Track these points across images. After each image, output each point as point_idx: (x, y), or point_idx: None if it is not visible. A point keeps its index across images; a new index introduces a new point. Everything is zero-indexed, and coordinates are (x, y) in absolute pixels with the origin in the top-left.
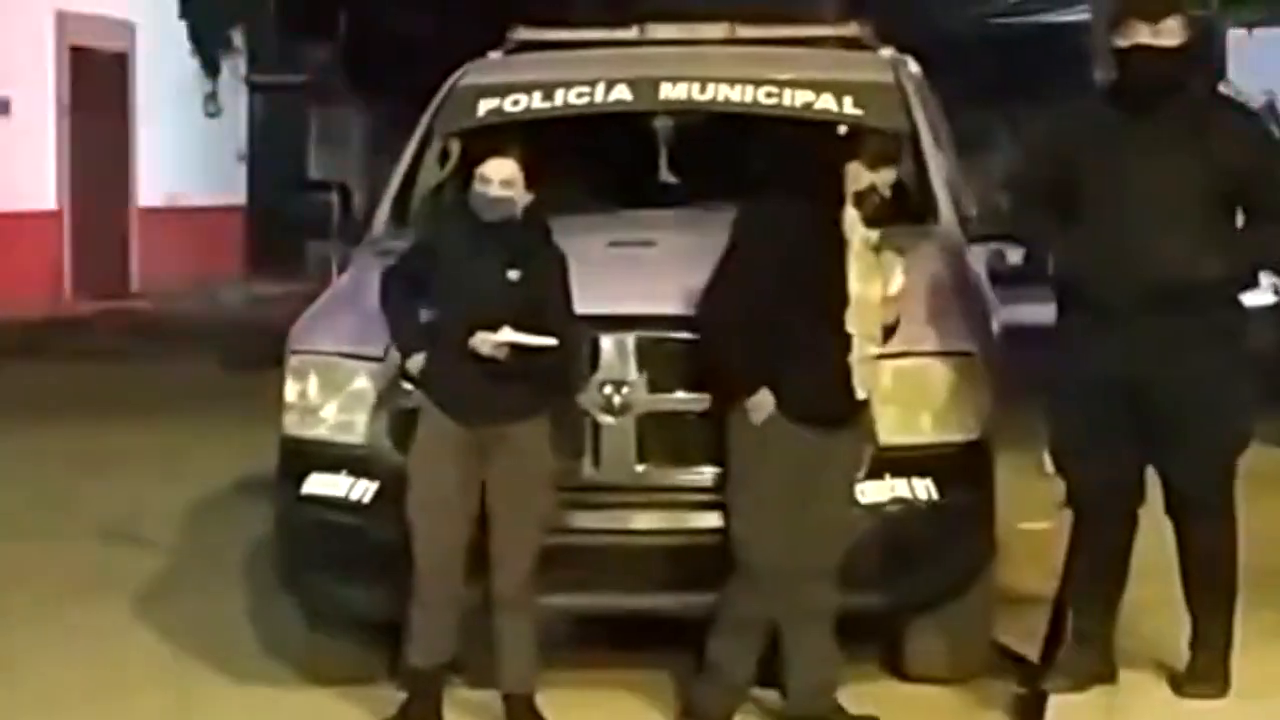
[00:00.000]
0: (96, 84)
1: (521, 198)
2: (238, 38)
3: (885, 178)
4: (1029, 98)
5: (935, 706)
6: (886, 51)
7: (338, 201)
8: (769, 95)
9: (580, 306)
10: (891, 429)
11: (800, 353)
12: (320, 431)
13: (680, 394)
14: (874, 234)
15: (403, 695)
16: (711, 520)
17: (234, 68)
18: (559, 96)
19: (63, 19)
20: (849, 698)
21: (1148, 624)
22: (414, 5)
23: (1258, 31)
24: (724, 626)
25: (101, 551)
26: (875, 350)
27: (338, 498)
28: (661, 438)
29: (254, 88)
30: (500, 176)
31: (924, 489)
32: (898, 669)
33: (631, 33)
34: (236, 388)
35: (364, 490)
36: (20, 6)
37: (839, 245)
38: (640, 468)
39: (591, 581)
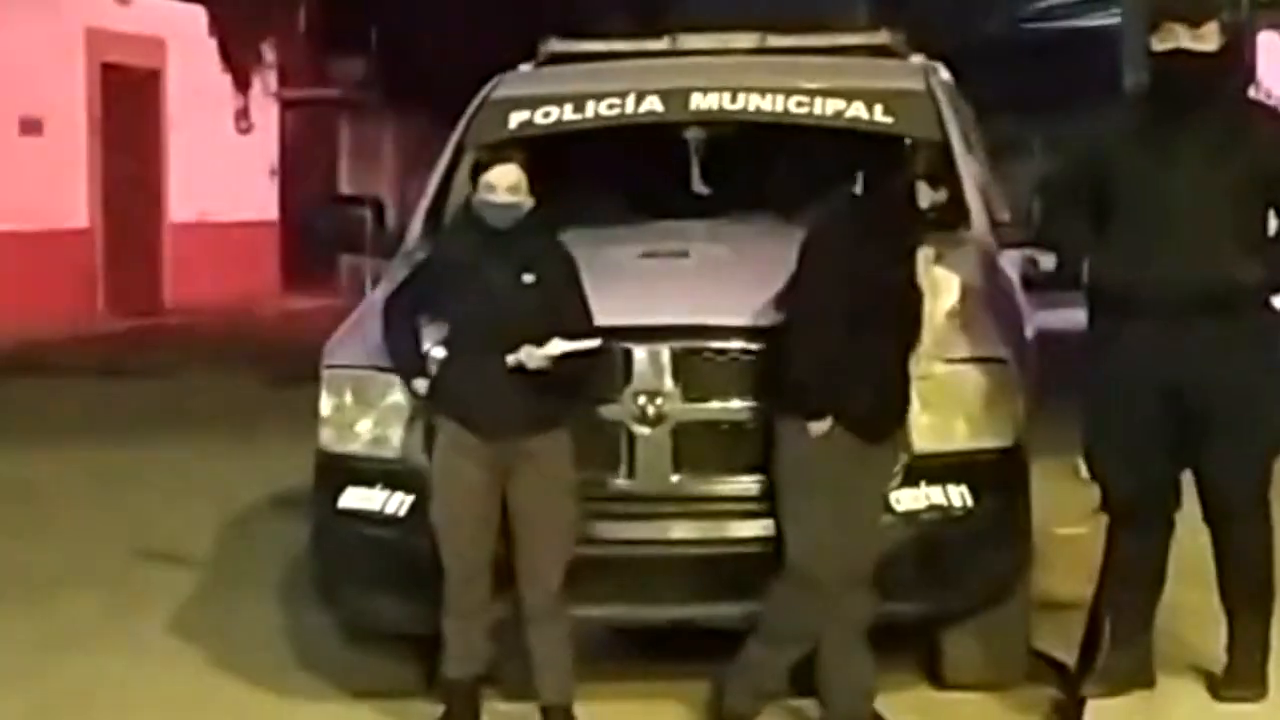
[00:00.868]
0: (128, 101)
1: (526, 203)
2: (268, 53)
3: (942, 196)
4: (1060, 103)
5: (973, 713)
6: (918, 59)
7: (370, 216)
8: (800, 104)
9: (614, 317)
10: (926, 437)
11: (868, 370)
12: (356, 446)
13: (715, 404)
14: (933, 250)
15: (441, 708)
16: (748, 530)
17: (265, 83)
18: (590, 108)
19: (94, 36)
20: (887, 705)
21: (1185, 628)
22: (445, 19)
23: None
24: (770, 634)
25: (137, 566)
26: (936, 365)
27: (374, 511)
28: (697, 448)
29: (285, 103)
30: (505, 183)
31: (959, 496)
32: (935, 676)
33: (662, 43)
34: (271, 402)
35: (400, 504)
36: (52, 24)
37: (910, 263)
38: (675, 478)
39: (628, 592)
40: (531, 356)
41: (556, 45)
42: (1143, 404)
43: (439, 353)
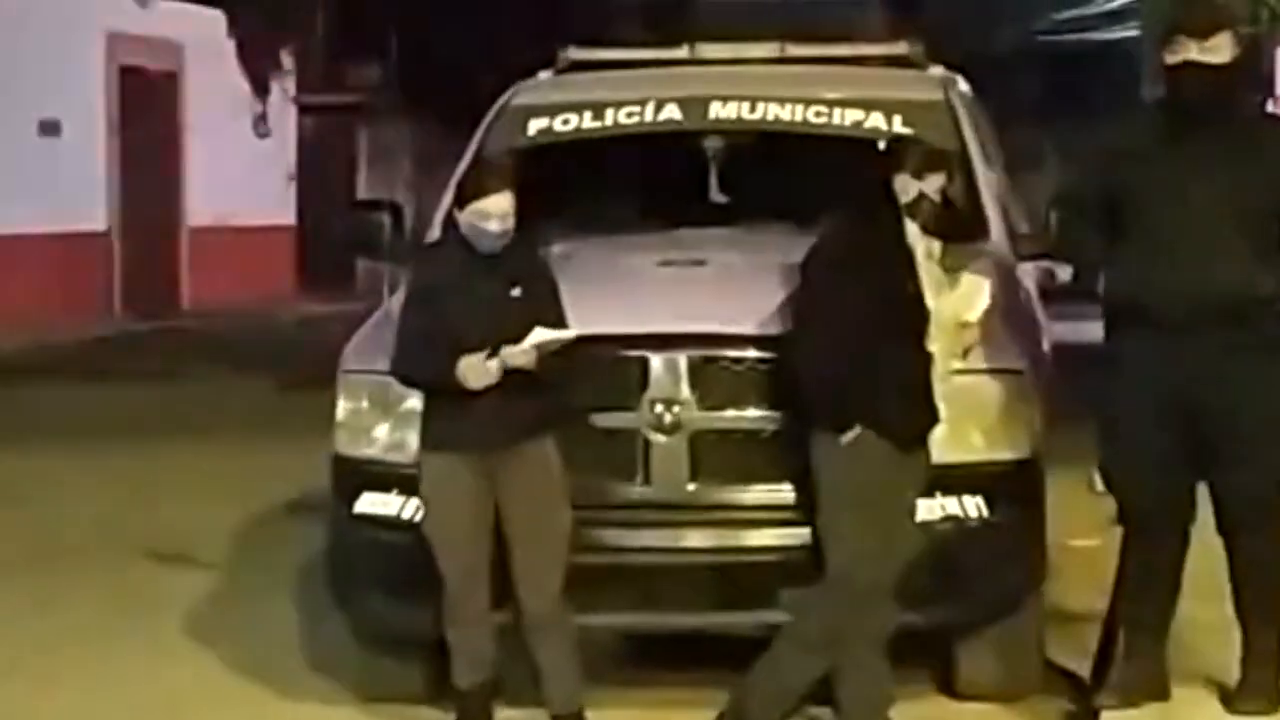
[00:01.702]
0: (146, 104)
1: (512, 225)
2: (287, 58)
3: (932, 184)
4: (1079, 115)
5: None
6: (936, 70)
7: (388, 220)
8: (818, 114)
9: (631, 325)
10: (942, 447)
11: (885, 372)
12: (372, 451)
13: (731, 412)
14: (936, 245)
15: (453, 716)
16: (764, 538)
17: (283, 88)
18: (609, 116)
19: (113, 40)
20: (902, 716)
21: (1199, 640)
22: (464, 25)
23: None
24: (804, 643)
25: (153, 570)
26: (957, 366)
27: (389, 517)
28: (713, 456)
29: (303, 108)
30: (498, 212)
31: (975, 507)
32: (950, 687)
33: (682, 52)
34: (288, 406)
35: (415, 509)
36: (70, 27)
37: (908, 261)
38: (692, 486)
39: (643, 600)
40: (511, 354)
41: (576, 53)
42: (1158, 416)
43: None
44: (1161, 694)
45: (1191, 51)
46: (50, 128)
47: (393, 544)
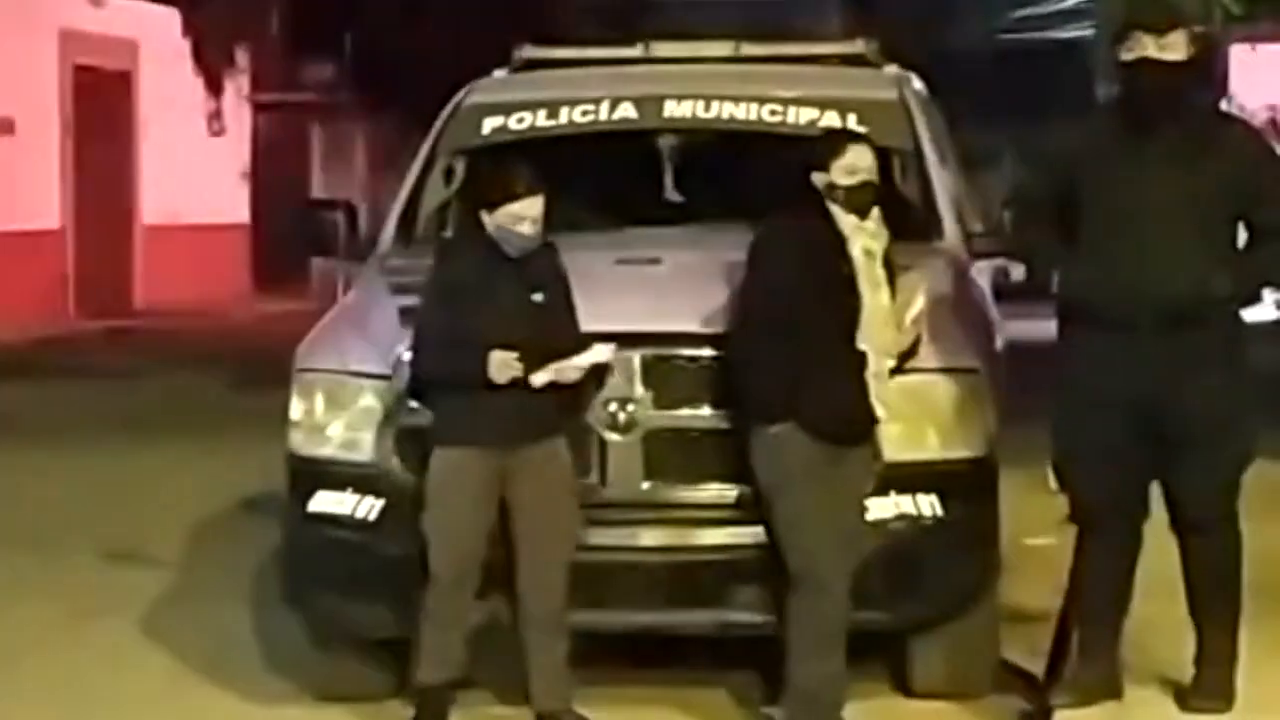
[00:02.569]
0: (100, 102)
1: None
2: (242, 56)
3: (842, 165)
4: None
5: None
6: (891, 69)
7: (343, 219)
8: (773, 113)
9: (587, 324)
10: (896, 445)
11: (818, 369)
12: (327, 450)
13: (686, 410)
14: (878, 244)
15: (410, 712)
16: (719, 537)
17: (238, 86)
18: (564, 114)
19: (67, 38)
20: (855, 714)
21: (1153, 639)
22: (419, 24)
23: (1261, 47)
24: (805, 649)
25: (106, 570)
26: (890, 364)
27: (344, 515)
28: (668, 454)
29: (258, 106)
30: (532, 215)
31: (929, 505)
32: (903, 685)
33: (636, 51)
34: (241, 405)
35: (370, 508)
36: (25, 25)
37: (838, 251)
38: (647, 484)
39: (599, 598)
40: (563, 369)
41: (530, 51)
42: (1111, 415)
43: (408, 356)
44: (1115, 693)
45: (1148, 48)
46: (4, 125)
47: (347, 542)
